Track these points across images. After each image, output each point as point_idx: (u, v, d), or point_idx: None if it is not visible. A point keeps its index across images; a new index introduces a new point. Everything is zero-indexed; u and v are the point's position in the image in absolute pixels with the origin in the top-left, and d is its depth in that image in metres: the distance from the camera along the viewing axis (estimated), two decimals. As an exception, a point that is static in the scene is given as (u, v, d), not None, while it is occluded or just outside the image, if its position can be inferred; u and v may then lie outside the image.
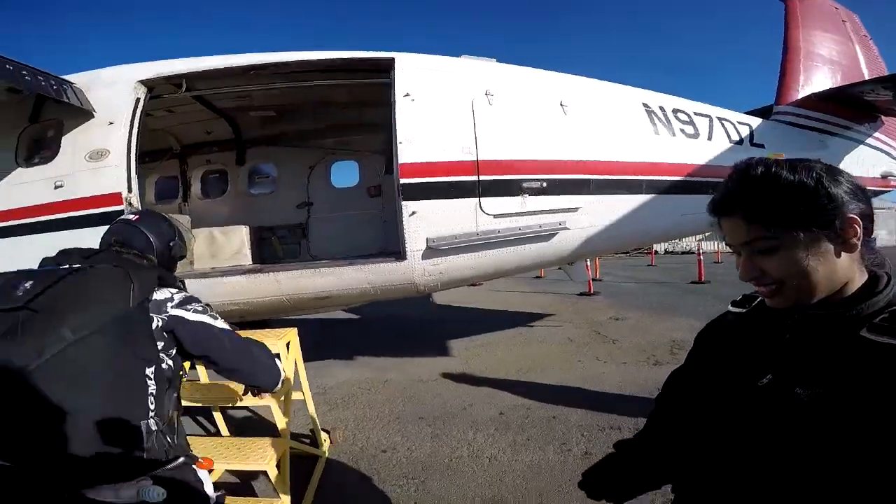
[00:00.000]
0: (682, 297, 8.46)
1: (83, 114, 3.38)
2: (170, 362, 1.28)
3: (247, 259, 4.59)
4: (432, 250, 3.45)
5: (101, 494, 1.10)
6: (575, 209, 3.82)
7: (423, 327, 7.02)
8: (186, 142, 5.38)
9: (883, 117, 5.17)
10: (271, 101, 4.63)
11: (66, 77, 3.42)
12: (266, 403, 2.56)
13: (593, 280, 9.90)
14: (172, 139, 5.25)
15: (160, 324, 1.25)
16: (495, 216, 3.56)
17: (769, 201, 0.69)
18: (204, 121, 4.90)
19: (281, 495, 2.46)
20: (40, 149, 3.55)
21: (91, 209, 3.56)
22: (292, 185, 5.58)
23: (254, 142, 5.48)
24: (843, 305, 0.70)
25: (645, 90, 4.33)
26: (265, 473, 2.55)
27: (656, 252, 20.97)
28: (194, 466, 1.31)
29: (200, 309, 1.36)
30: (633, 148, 3.95)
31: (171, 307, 1.29)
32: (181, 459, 1.25)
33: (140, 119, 3.42)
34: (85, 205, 3.58)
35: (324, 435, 3.42)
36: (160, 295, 1.29)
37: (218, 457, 2.44)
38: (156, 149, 5.25)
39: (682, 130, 4.20)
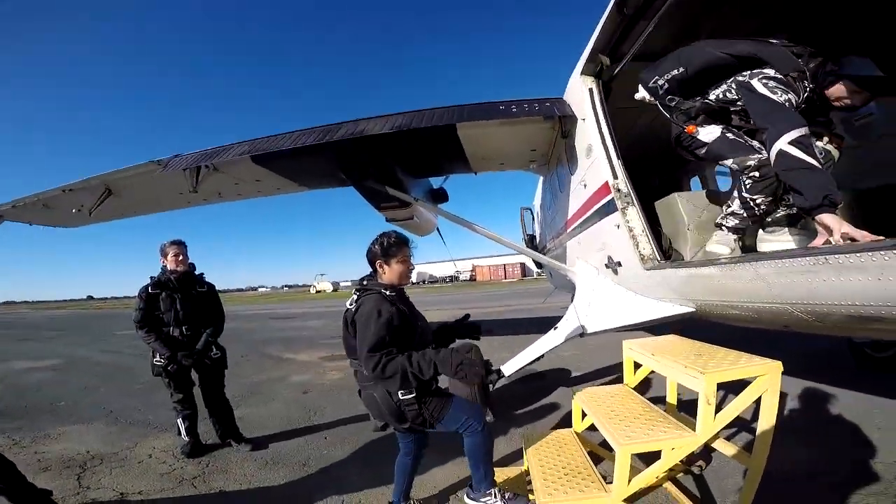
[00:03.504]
0: None
1: (574, 119, 3.66)
2: None
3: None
4: None
5: None
6: None
7: None
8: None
9: None
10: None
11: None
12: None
13: None
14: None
15: None
16: None
17: None
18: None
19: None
20: (569, 159, 4.16)
21: (599, 201, 3.75)
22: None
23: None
24: None
25: None
26: None
27: None
28: None
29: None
30: None
31: None
32: None
33: (603, 107, 3.24)
34: (596, 198, 3.82)
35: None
36: None
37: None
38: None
39: None
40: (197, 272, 4.01)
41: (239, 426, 4.14)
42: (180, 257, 3.84)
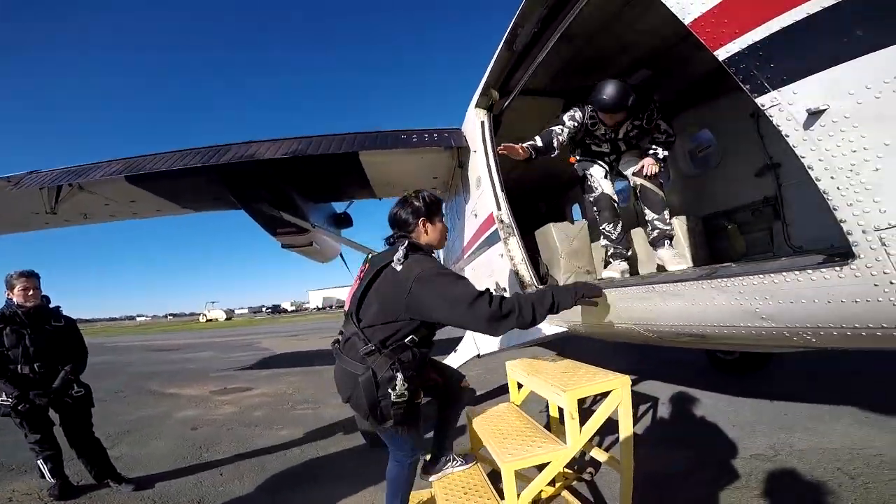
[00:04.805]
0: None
1: (468, 150, 3.94)
2: None
3: (685, 262, 3.29)
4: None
5: None
6: None
7: None
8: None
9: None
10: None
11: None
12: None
13: None
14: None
15: None
16: None
17: None
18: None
19: None
20: (464, 188, 4.45)
21: (486, 231, 4.03)
22: (737, 147, 3.75)
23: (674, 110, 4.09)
24: None
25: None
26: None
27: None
28: None
29: None
30: None
31: None
32: None
33: (492, 140, 3.52)
34: (484, 228, 4.10)
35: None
36: None
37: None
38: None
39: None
40: (52, 305, 3.56)
41: (116, 466, 3.72)
42: (30, 291, 3.39)
